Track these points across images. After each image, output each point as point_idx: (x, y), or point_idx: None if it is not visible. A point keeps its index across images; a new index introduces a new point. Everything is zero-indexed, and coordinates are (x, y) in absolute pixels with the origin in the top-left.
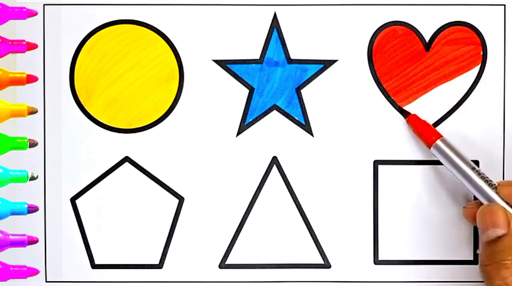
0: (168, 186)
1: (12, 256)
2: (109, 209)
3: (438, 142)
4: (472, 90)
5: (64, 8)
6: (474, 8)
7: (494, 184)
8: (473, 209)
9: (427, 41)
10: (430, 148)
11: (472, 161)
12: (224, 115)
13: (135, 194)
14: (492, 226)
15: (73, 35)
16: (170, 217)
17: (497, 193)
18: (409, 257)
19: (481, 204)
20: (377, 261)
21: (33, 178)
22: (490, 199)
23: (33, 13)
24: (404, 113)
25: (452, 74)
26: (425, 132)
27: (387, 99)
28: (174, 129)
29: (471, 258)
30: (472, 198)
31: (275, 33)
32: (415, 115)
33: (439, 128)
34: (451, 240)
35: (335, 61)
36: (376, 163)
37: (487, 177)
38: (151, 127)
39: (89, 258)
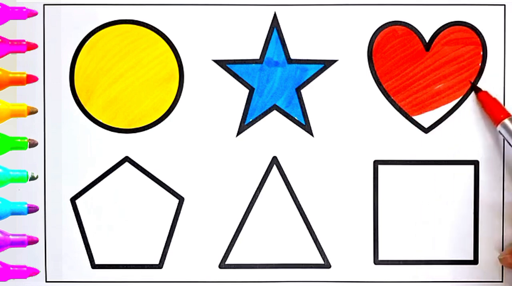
0: (168, 186)
1: (12, 256)
2: (109, 209)
3: (506, 121)
4: (472, 90)
5: (64, 8)
6: (474, 8)
7: None
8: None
9: (427, 41)
10: (496, 126)
11: (472, 160)
12: (224, 115)
13: (135, 194)
14: None
15: (73, 35)
16: (170, 217)
17: None
18: (409, 257)
19: None
20: (377, 261)
21: (33, 178)
22: None
23: (33, 13)
24: (475, 89)
25: (452, 74)
26: (494, 109)
27: (387, 99)
28: (174, 129)
29: (471, 258)
30: (473, 198)
31: (275, 33)
32: (486, 92)
33: (439, 128)
34: (451, 240)
35: (335, 61)
36: (376, 163)
37: None
38: (151, 127)
39: (89, 258)
